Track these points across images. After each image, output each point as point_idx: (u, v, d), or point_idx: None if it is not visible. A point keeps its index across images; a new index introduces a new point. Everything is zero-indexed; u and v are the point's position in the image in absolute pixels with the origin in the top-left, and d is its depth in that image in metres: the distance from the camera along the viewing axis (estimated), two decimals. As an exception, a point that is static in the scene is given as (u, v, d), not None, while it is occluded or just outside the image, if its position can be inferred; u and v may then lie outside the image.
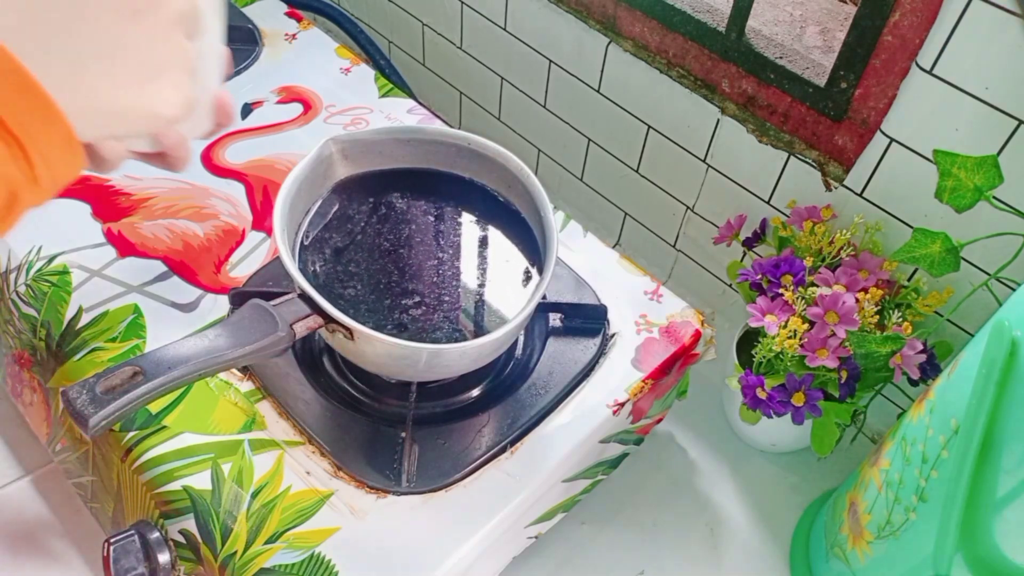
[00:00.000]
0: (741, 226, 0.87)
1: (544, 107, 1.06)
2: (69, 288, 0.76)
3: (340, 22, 1.23)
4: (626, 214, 1.06)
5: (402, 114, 0.95)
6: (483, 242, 0.70)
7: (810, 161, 0.81)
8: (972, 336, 0.70)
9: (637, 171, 1.00)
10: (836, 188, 0.80)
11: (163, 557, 0.64)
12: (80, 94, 0.34)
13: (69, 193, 0.83)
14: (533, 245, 0.70)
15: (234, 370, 0.71)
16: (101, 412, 0.47)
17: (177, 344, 0.52)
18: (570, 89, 1.01)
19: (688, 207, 0.97)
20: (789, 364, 0.74)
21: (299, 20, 1.06)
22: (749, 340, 0.81)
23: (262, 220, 0.82)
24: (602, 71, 0.95)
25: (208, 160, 0.87)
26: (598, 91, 0.97)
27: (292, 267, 0.59)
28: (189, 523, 0.63)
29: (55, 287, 0.76)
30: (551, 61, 1.00)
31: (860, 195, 0.79)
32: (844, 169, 0.79)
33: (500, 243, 0.70)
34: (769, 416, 0.75)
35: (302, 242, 0.67)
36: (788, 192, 0.85)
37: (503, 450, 0.68)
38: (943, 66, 0.66)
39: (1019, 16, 0.60)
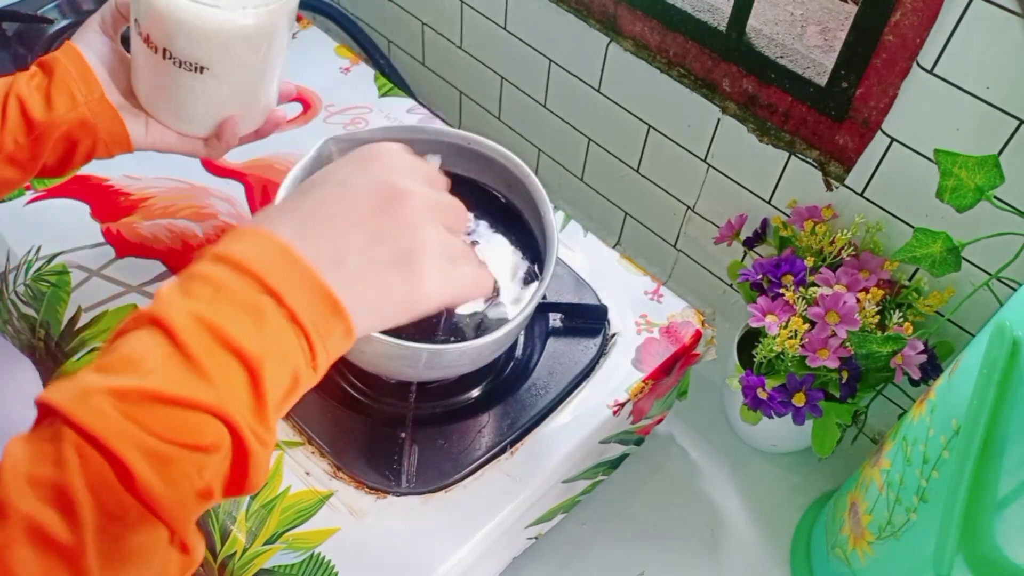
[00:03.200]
0: (742, 226, 0.87)
1: (544, 107, 1.06)
2: (68, 288, 0.76)
3: (340, 22, 1.23)
4: (626, 214, 1.06)
5: (402, 114, 0.95)
6: (483, 242, 0.70)
7: (811, 161, 0.81)
8: (973, 336, 0.70)
9: (637, 171, 1.00)
10: (837, 188, 0.80)
11: (162, 558, 0.63)
12: (364, 297, 0.40)
13: (68, 193, 0.83)
14: (533, 245, 0.70)
15: (233, 370, 0.71)
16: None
17: (176, 344, 0.52)
18: (570, 89, 1.00)
19: (688, 207, 0.97)
20: (790, 364, 0.73)
21: (299, 19, 1.06)
22: (750, 340, 0.81)
23: (262, 220, 0.82)
24: (602, 71, 0.95)
25: (207, 160, 0.87)
26: (598, 91, 0.97)
27: (291, 267, 0.59)
28: (188, 524, 0.63)
29: (54, 287, 0.76)
30: (551, 61, 1.00)
31: (861, 195, 0.79)
32: (845, 169, 0.79)
33: (500, 243, 0.70)
34: (770, 416, 0.74)
35: (302, 242, 0.67)
36: (789, 192, 0.85)
37: (503, 450, 0.68)
38: (944, 66, 0.66)
39: (1019, 16, 0.60)
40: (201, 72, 0.62)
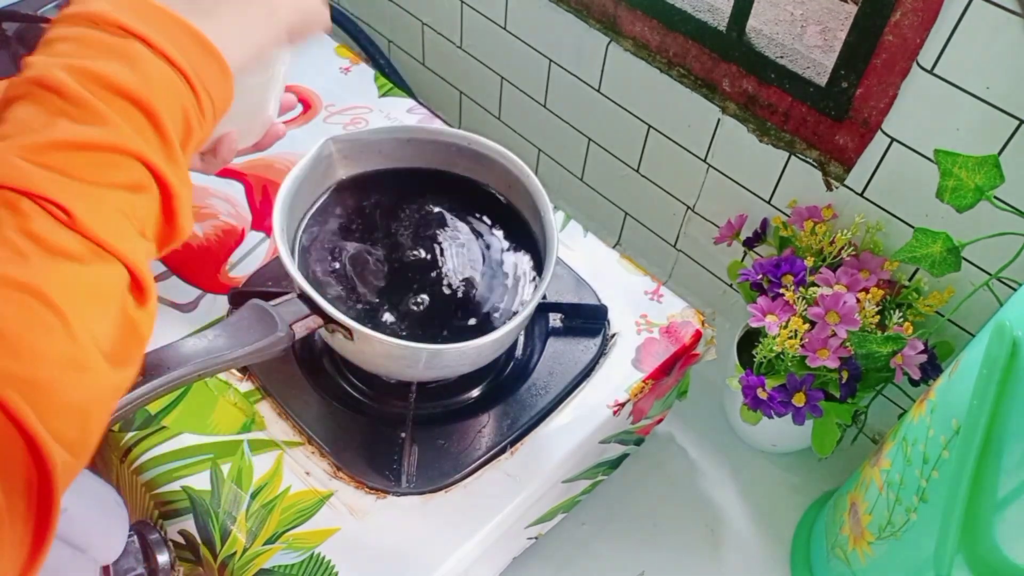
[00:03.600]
0: (742, 226, 0.87)
1: (544, 107, 1.06)
2: (68, 288, 0.76)
3: (340, 22, 1.23)
4: (626, 214, 1.06)
5: (402, 114, 0.95)
6: (483, 242, 0.70)
7: (811, 161, 0.81)
8: (973, 336, 0.70)
9: (637, 171, 1.00)
10: (837, 188, 0.80)
11: (162, 558, 0.63)
12: (225, 28, 0.39)
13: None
14: (533, 245, 0.70)
15: (233, 370, 0.71)
16: (100, 412, 0.47)
17: (177, 344, 0.52)
18: (570, 89, 1.00)
19: (688, 207, 0.97)
20: (790, 364, 0.73)
21: (299, 20, 1.06)
22: (750, 340, 0.81)
23: (262, 220, 0.82)
24: (602, 71, 0.95)
25: (208, 160, 0.87)
26: (598, 91, 0.97)
27: (292, 267, 0.59)
28: (188, 524, 0.63)
29: (54, 287, 0.76)
30: (551, 61, 1.00)
31: (861, 195, 0.79)
32: (845, 169, 0.79)
33: (500, 243, 0.70)
34: (770, 416, 0.74)
35: (302, 242, 0.67)
36: (789, 192, 0.85)
37: (503, 450, 0.68)
38: (944, 66, 0.66)
39: (1019, 16, 0.60)
40: None
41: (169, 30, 0.37)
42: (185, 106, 0.37)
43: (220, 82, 0.39)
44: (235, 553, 0.61)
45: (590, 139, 1.03)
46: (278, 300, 0.57)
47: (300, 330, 0.56)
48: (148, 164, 0.35)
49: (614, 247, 0.84)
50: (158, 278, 0.77)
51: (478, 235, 0.70)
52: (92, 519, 0.57)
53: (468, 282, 0.67)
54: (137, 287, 0.35)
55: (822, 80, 0.77)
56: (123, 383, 0.35)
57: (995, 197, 0.65)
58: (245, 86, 0.63)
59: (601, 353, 0.75)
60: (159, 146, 0.36)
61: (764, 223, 0.87)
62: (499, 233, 0.71)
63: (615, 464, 0.82)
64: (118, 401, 0.35)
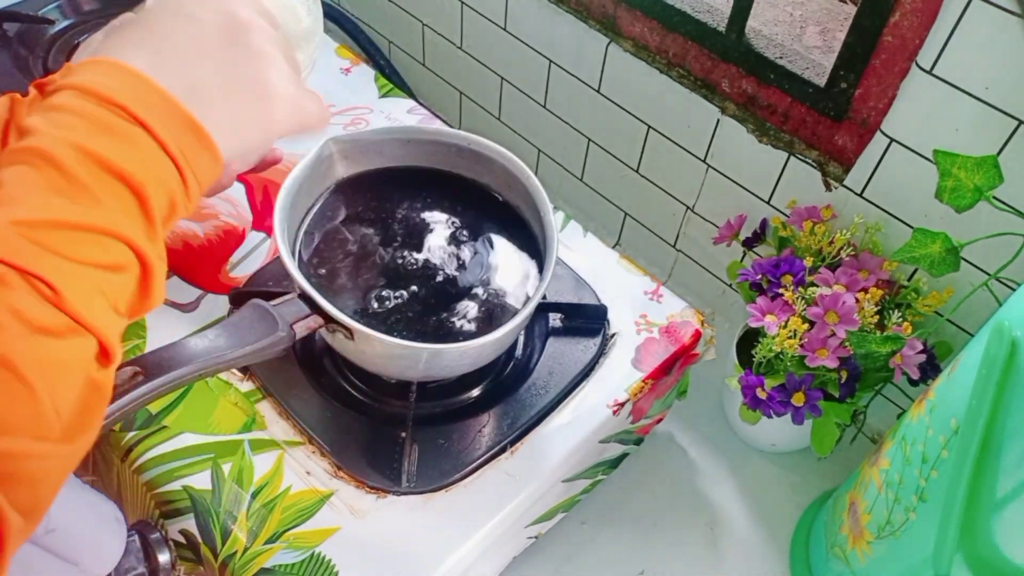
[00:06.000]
0: (741, 226, 0.87)
1: (544, 107, 1.06)
2: (69, 288, 0.76)
3: (340, 22, 1.23)
4: (626, 214, 1.06)
5: (402, 114, 0.95)
6: (483, 242, 0.70)
7: (810, 161, 0.81)
8: (972, 336, 0.70)
9: (637, 171, 1.00)
10: (836, 188, 0.80)
11: (163, 557, 0.64)
12: (223, 123, 0.42)
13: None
14: (533, 245, 0.70)
15: (234, 370, 0.71)
16: (101, 412, 0.47)
17: (177, 344, 0.52)
18: (570, 89, 1.01)
19: (688, 207, 0.97)
20: (789, 364, 0.74)
21: (299, 20, 1.06)
22: (749, 340, 0.81)
23: (262, 220, 0.82)
24: (602, 71, 0.95)
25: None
26: (598, 91, 0.97)
27: (292, 267, 0.59)
28: (189, 523, 0.63)
29: (55, 287, 0.76)
30: (551, 61, 1.00)
31: (860, 195, 0.79)
32: (844, 169, 0.79)
33: (500, 243, 0.70)
34: (769, 416, 0.75)
35: (302, 242, 0.67)
36: (788, 192, 0.85)
37: (503, 450, 0.68)
38: (943, 66, 0.66)
39: (1019, 16, 0.60)
40: None
41: (168, 117, 0.39)
42: (172, 191, 0.40)
43: (210, 169, 0.42)
44: (236, 552, 0.62)
45: (590, 139, 1.03)
46: (279, 300, 0.57)
47: (301, 330, 0.56)
48: (132, 246, 0.38)
49: (614, 247, 0.84)
50: (159, 278, 0.77)
51: (478, 235, 0.71)
52: (85, 534, 0.57)
53: (468, 282, 0.67)
54: (104, 355, 0.37)
55: (821, 81, 0.77)
56: (80, 452, 0.37)
57: (994, 197, 0.65)
58: None
59: (601, 353, 0.75)
60: (144, 227, 0.38)
61: (763, 223, 0.88)
62: (499, 233, 0.71)
63: (615, 464, 0.82)
64: (75, 464, 0.37)
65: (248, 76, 0.43)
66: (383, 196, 0.71)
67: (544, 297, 0.74)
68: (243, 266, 0.79)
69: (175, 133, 0.39)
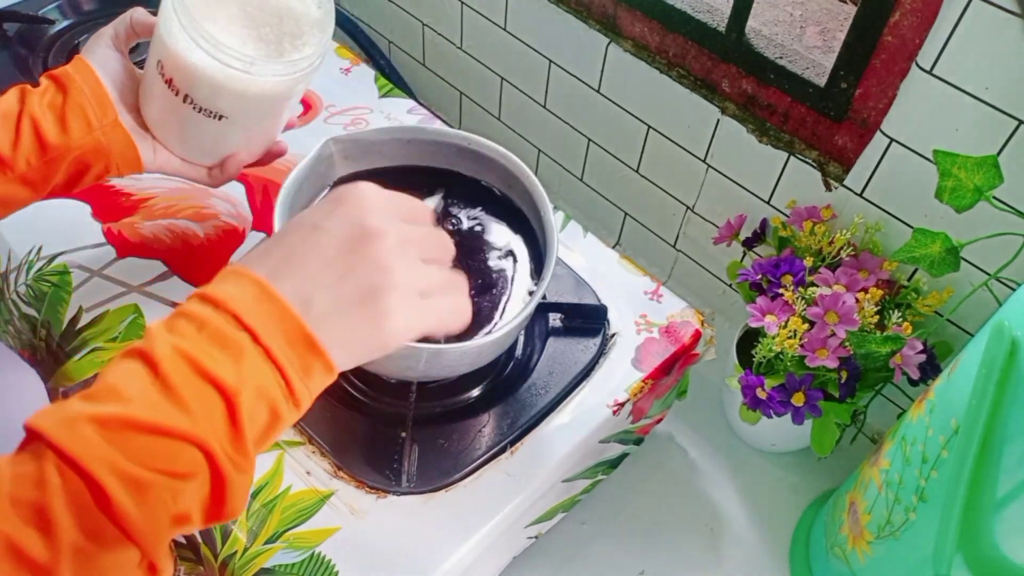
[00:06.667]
0: (741, 226, 0.87)
1: (544, 107, 1.06)
2: (69, 288, 0.76)
3: (340, 22, 1.23)
4: (626, 214, 1.06)
5: (402, 114, 0.95)
6: (483, 242, 0.70)
7: (810, 161, 0.81)
8: (972, 336, 0.70)
9: (637, 171, 1.00)
10: (836, 188, 0.80)
11: (163, 557, 0.63)
12: (336, 334, 0.41)
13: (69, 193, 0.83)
14: (533, 245, 0.70)
15: (234, 370, 0.71)
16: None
17: (177, 344, 0.52)
18: (570, 89, 1.01)
19: (688, 207, 0.97)
20: (789, 364, 0.74)
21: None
22: (749, 340, 0.81)
23: (262, 220, 0.82)
24: (602, 71, 0.95)
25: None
26: (598, 91, 0.97)
27: (292, 267, 0.59)
28: (189, 523, 0.63)
29: (55, 287, 0.76)
30: (551, 61, 1.00)
31: (860, 195, 0.79)
32: (844, 169, 0.79)
33: (500, 243, 0.70)
34: (769, 416, 0.75)
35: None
36: (788, 192, 0.85)
37: (503, 450, 0.68)
38: (943, 66, 0.66)
39: (1019, 16, 0.60)
40: (220, 120, 0.63)
41: (277, 324, 0.39)
42: (275, 399, 0.40)
43: (322, 377, 0.41)
44: (236, 552, 0.62)
45: (590, 139, 1.03)
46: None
47: (301, 330, 0.56)
48: (207, 451, 0.37)
49: (614, 247, 0.84)
50: (159, 278, 0.77)
51: (478, 235, 0.71)
52: None
53: (468, 282, 0.67)
54: (151, 568, 0.37)
55: (821, 81, 0.77)
56: None
57: (994, 197, 0.65)
58: (263, 116, 0.65)
59: (601, 353, 0.75)
60: (227, 434, 0.38)
61: (763, 223, 0.88)
62: (499, 233, 0.71)
63: (615, 464, 0.82)
64: None
65: (362, 290, 0.42)
66: (383, 196, 0.71)
67: (544, 297, 0.74)
68: (243, 266, 0.79)
69: (282, 341, 0.39)
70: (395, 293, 0.42)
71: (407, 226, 0.45)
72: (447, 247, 0.47)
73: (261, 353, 0.39)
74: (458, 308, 0.47)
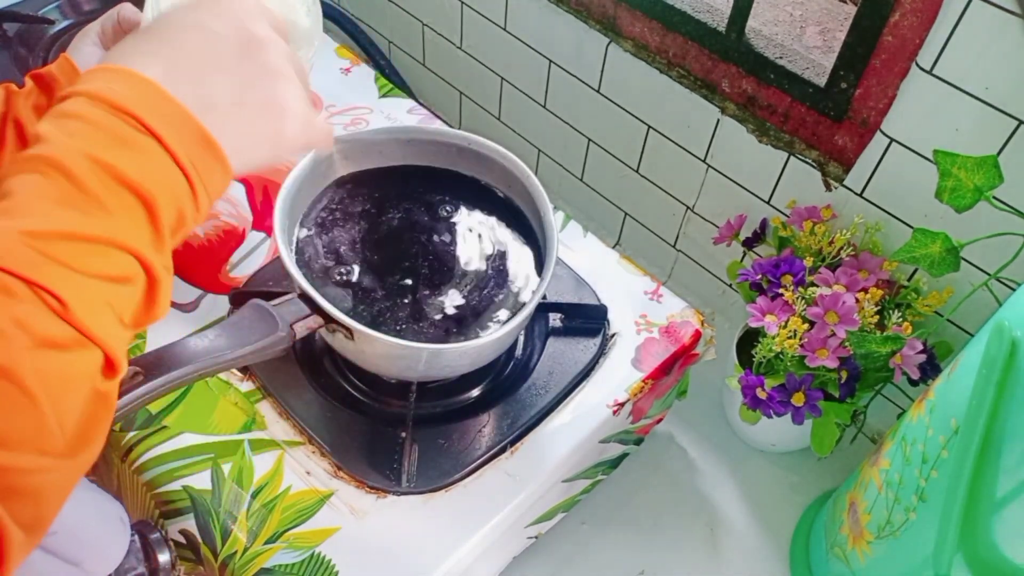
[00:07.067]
0: (741, 226, 0.87)
1: (544, 107, 1.06)
2: (69, 288, 0.76)
3: (340, 22, 1.23)
4: (626, 214, 1.06)
5: (402, 114, 0.95)
6: (483, 242, 0.70)
7: (810, 161, 0.81)
8: (972, 336, 0.70)
9: (637, 171, 1.00)
10: (836, 188, 0.80)
11: (163, 557, 0.64)
12: (235, 138, 0.42)
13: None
14: (533, 245, 0.70)
15: (234, 370, 0.71)
16: (101, 412, 0.47)
17: (177, 344, 0.52)
18: (570, 89, 1.01)
19: (688, 207, 0.97)
20: (789, 364, 0.74)
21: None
22: (749, 340, 0.81)
23: (262, 220, 0.82)
24: (602, 71, 0.95)
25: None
26: (598, 91, 0.97)
27: (292, 267, 0.59)
28: (189, 523, 0.63)
29: (55, 287, 0.76)
30: (551, 61, 1.00)
31: (860, 195, 0.79)
32: (844, 169, 0.79)
33: (500, 243, 0.70)
34: (769, 416, 0.75)
35: (302, 242, 0.67)
36: (788, 192, 0.85)
37: (503, 450, 0.68)
38: (943, 66, 0.66)
39: (1019, 16, 0.60)
40: None
41: (181, 129, 0.39)
42: (182, 202, 0.40)
43: (220, 182, 0.42)
44: (236, 552, 0.62)
45: (590, 139, 1.03)
46: (279, 300, 0.57)
47: (301, 330, 0.56)
48: (140, 258, 0.38)
49: (614, 247, 0.84)
50: (159, 278, 0.77)
51: (478, 235, 0.71)
52: (88, 536, 0.57)
53: (468, 282, 0.67)
54: (109, 367, 0.37)
55: (821, 81, 0.77)
56: (84, 465, 0.37)
57: (994, 197, 0.65)
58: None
59: (601, 353, 0.75)
60: (152, 238, 0.39)
61: (763, 223, 0.88)
62: (499, 233, 0.71)
63: (615, 464, 0.82)
64: (78, 477, 0.38)
65: (262, 93, 0.43)
66: (383, 196, 0.71)
67: (544, 297, 0.74)
68: (243, 266, 0.79)
69: (187, 145, 0.39)
70: (292, 99, 0.44)
71: (282, 40, 0.46)
72: (305, 67, 0.49)
73: (168, 157, 0.39)
74: (328, 125, 0.50)
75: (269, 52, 0.44)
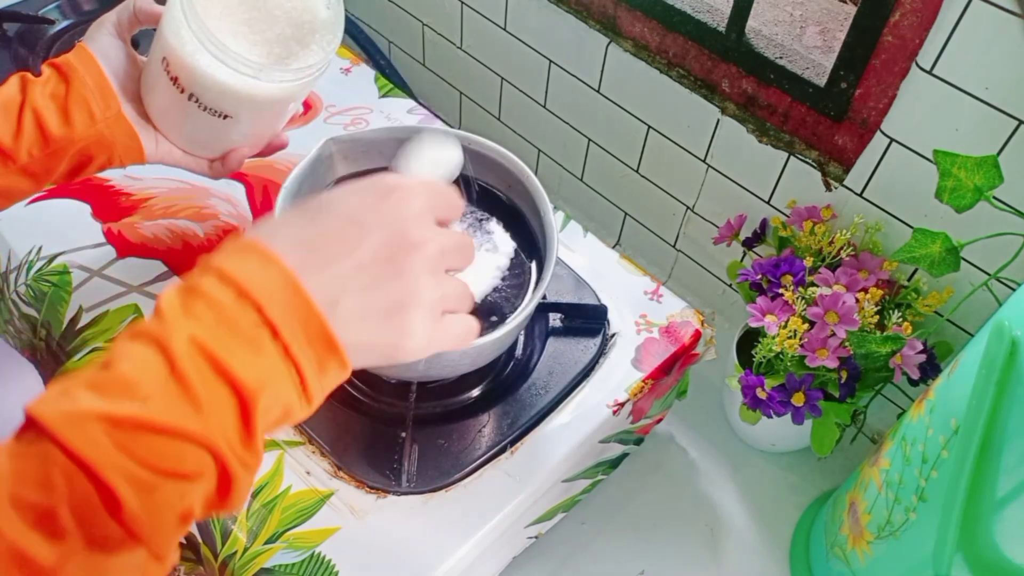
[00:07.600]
0: (741, 226, 0.87)
1: (544, 107, 1.06)
2: (69, 288, 0.76)
3: (340, 22, 1.23)
4: (626, 214, 1.06)
5: (402, 114, 0.95)
6: (483, 242, 0.70)
7: (810, 161, 0.81)
8: (972, 336, 0.70)
9: (637, 171, 1.00)
10: (836, 188, 0.80)
11: (163, 557, 0.63)
12: (356, 338, 0.41)
13: (69, 193, 0.83)
14: (533, 245, 0.70)
15: (234, 370, 0.71)
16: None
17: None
18: (570, 89, 1.01)
19: (688, 207, 0.97)
20: (789, 364, 0.74)
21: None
22: (749, 340, 0.81)
23: (262, 220, 0.82)
24: (602, 71, 0.95)
25: (208, 160, 0.87)
26: (598, 91, 0.97)
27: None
28: (189, 523, 0.63)
29: (55, 287, 0.76)
30: (551, 61, 1.00)
31: (860, 195, 0.79)
32: (844, 169, 0.79)
33: (500, 243, 0.70)
34: (769, 416, 0.75)
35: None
36: (788, 192, 0.85)
37: (503, 450, 0.68)
38: (943, 66, 0.66)
39: (1019, 16, 0.60)
40: (225, 119, 0.62)
41: (302, 324, 0.38)
42: (289, 398, 0.39)
43: (336, 377, 0.41)
44: (236, 552, 0.62)
45: (590, 139, 1.03)
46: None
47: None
48: (217, 454, 0.36)
49: (614, 247, 0.84)
50: (159, 278, 0.77)
51: (478, 235, 0.71)
52: None
53: (468, 282, 0.67)
54: (157, 559, 0.37)
55: (821, 81, 0.77)
56: None
57: (994, 197, 0.65)
58: (268, 116, 0.65)
59: (601, 353, 0.75)
60: (238, 435, 0.37)
61: (763, 223, 0.88)
62: (499, 233, 0.71)
63: (615, 464, 0.82)
64: None
65: (391, 303, 0.41)
66: (383, 196, 0.71)
67: (544, 297, 0.74)
68: (243, 266, 0.79)
69: (304, 340, 0.38)
70: (421, 311, 0.42)
71: (443, 235, 0.44)
72: (470, 256, 0.47)
73: (280, 350, 0.38)
74: (469, 327, 0.47)
75: (413, 257, 0.42)
